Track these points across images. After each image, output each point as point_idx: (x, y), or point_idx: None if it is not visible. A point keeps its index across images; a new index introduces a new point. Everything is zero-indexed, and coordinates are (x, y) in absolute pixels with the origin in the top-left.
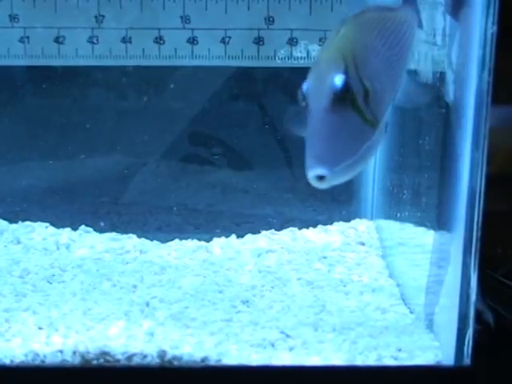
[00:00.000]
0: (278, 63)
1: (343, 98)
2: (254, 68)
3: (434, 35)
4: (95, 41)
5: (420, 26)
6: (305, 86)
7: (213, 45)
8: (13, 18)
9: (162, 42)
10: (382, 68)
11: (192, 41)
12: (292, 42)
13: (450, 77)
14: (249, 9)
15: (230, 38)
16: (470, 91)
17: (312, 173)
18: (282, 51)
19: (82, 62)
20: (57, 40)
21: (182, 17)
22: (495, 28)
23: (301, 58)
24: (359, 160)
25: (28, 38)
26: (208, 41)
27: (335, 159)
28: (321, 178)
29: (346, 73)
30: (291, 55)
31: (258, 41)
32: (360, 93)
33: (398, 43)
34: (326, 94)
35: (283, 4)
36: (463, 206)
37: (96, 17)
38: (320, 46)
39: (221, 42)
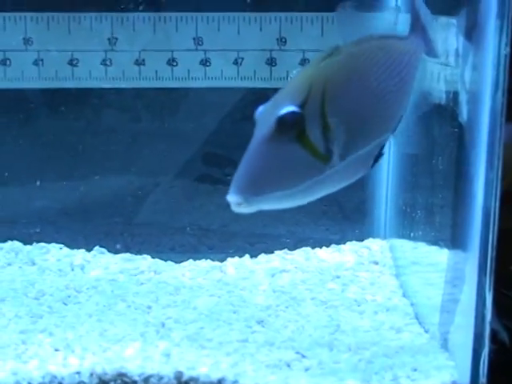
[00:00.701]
0: None
1: (287, 131)
2: (267, 89)
3: (447, 56)
4: (108, 63)
5: (433, 54)
6: (258, 110)
7: (225, 66)
8: (27, 40)
9: (174, 63)
10: (364, 103)
11: (205, 62)
12: (304, 62)
13: (463, 97)
14: (261, 30)
15: (242, 59)
16: (483, 112)
17: (229, 198)
18: (294, 72)
19: (95, 84)
20: (70, 62)
21: (194, 38)
22: (508, 49)
23: None
24: (303, 193)
25: (42, 60)
26: (221, 62)
27: (258, 188)
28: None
29: (301, 105)
30: None
31: (271, 62)
32: (316, 127)
33: (397, 75)
34: (271, 122)
35: (295, 25)
36: (478, 226)
37: (109, 39)
38: None
39: (233, 63)
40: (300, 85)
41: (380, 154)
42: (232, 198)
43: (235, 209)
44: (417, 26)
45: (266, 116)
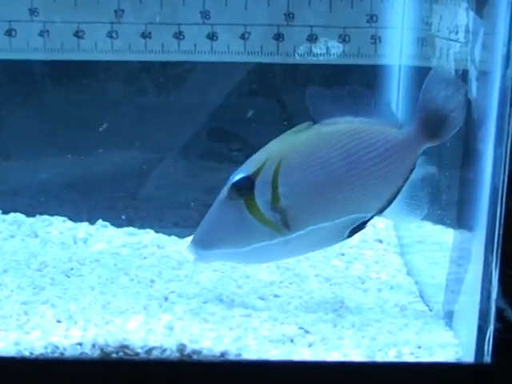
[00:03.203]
0: (297, 59)
1: (236, 196)
2: (274, 64)
3: (457, 32)
4: (114, 35)
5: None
6: (233, 174)
7: (232, 40)
8: (33, 11)
9: (181, 37)
10: (324, 181)
11: (212, 36)
12: (312, 38)
13: (472, 74)
14: (269, 5)
15: (249, 33)
16: (493, 88)
17: (186, 249)
18: (301, 48)
19: (101, 57)
20: (76, 34)
21: (201, 12)
22: None
23: (320, 54)
24: (258, 254)
25: (48, 31)
26: (228, 36)
27: (207, 244)
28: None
29: (254, 174)
30: (310, 52)
31: (278, 37)
32: (266, 196)
33: (368, 161)
34: (226, 187)
35: (303, 0)
36: (486, 203)
37: (116, 11)
38: (340, 43)
39: (240, 37)
40: (257, 156)
41: (360, 227)
42: (187, 250)
43: (192, 259)
44: (423, 113)
45: (228, 181)
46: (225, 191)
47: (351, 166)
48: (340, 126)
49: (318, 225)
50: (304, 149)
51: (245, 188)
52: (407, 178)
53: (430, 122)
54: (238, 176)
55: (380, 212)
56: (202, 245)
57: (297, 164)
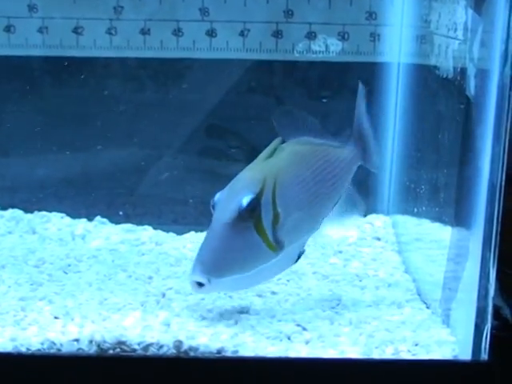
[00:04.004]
0: (296, 57)
1: (246, 218)
2: (272, 61)
3: (456, 29)
4: (113, 32)
5: (371, 165)
6: (217, 196)
7: (231, 37)
8: (32, 7)
9: (180, 33)
10: (306, 198)
11: (210, 33)
12: (310, 35)
13: (471, 71)
14: (268, 2)
15: (248, 30)
16: (491, 85)
17: (192, 277)
18: (300, 45)
19: (100, 53)
20: (75, 30)
21: (200, 9)
22: None
23: (319, 51)
24: (251, 278)
25: (47, 28)
26: (226, 33)
27: (221, 271)
28: (200, 284)
29: (257, 195)
30: (309, 49)
31: (277, 34)
32: (269, 217)
33: (331, 179)
34: (232, 209)
35: None
36: (483, 201)
37: (115, 8)
38: (339, 40)
39: (239, 34)
40: (255, 176)
41: (302, 252)
42: (196, 277)
43: (195, 291)
44: (357, 135)
45: (225, 202)
46: (229, 214)
47: (319, 184)
48: (308, 147)
49: (292, 244)
50: (288, 169)
51: (255, 209)
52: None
53: (360, 146)
54: (246, 197)
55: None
56: (216, 273)
57: (286, 183)
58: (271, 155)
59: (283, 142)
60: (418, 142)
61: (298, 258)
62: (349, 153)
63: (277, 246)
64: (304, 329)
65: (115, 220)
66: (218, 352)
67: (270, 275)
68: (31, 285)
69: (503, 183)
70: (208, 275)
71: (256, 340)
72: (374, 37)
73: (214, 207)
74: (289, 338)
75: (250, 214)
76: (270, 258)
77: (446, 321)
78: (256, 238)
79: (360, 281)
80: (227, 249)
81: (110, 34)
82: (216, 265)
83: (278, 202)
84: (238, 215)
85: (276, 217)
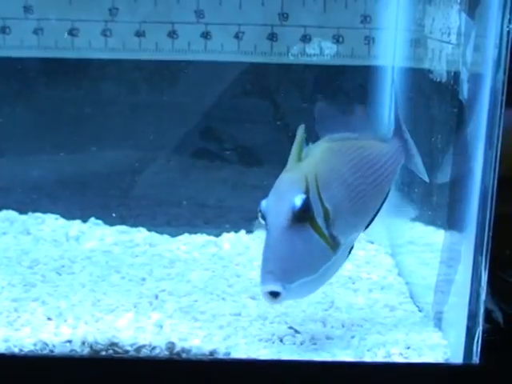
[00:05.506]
0: (290, 59)
1: (302, 218)
2: (267, 64)
3: (449, 34)
4: (108, 34)
5: (412, 165)
6: (264, 203)
7: (226, 40)
8: (27, 9)
9: (175, 36)
10: (348, 194)
11: (205, 35)
12: (305, 38)
13: (464, 75)
14: (263, 4)
15: (243, 33)
16: (484, 90)
17: (265, 288)
18: (295, 48)
19: (95, 55)
20: (70, 32)
21: (196, 11)
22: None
23: (314, 54)
24: (317, 280)
25: (42, 29)
26: (221, 36)
27: (291, 276)
28: (275, 294)
29: (306, 193)
30: (304, 52)
31: (272, 37)
32: (320, 214)
33: (372, 174)
34: (286, 212)
35: (297, 0)
36: (475, 205)
37: (110, 10)
38: (333, 43)
39: (234, 37)
40: (296, 176)
41: (352, 248)
42: (270, 287)
43: (271, 302)
44: (399, 132)
45: (276, 207)
46: (284, 217)
47: (360, 180)
48: (346, 143)
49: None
50: (324, 164)
51: (308, 208)
52: (389, 190)
53: (401, 143)
54: (298, 197)
55: (363, 230)
56: (287, 279)
57: (326, 179)
58: (301, 152)
59: (316, 136)
60: None
61: (349, 254)
62: (393, 148)
63: (333, 242)
64: (296, 331)
65: (109, 221)
66: (211, 354)
67: (331, 275)
68: (24, 286)
69: (495, 187)
70: (281, 283)
71: (248, 342)
72: (369, 40)
73: (264, 215)
74: (281, 341)
75: (305, 214)
76: (331, 256)
77: (438, 324)
78: (315, 236)
79: (353, 283)
80: (291, 252)
81: (105, 35)
82: (285, 270)
83: (324, 197)
84: (293, 217)
85: (326, 213)
